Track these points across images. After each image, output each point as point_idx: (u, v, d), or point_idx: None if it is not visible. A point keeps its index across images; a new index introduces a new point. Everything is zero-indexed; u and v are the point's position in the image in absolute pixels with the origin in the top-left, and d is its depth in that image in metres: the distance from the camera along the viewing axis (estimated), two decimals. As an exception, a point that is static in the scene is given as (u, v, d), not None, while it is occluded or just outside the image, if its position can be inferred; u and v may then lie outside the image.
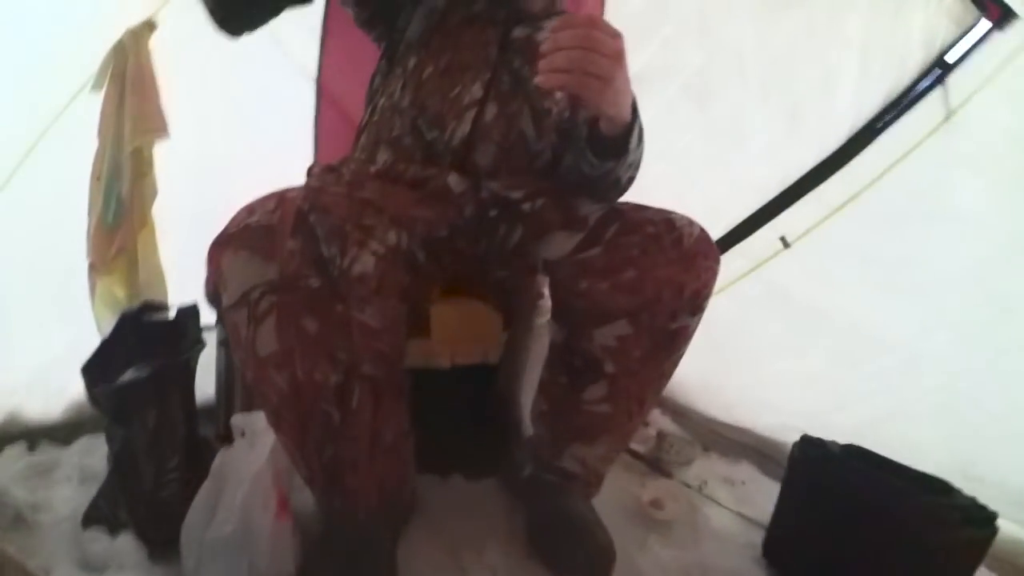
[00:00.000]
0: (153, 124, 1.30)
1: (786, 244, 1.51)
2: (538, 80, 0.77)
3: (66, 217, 1.32)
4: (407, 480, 1.07)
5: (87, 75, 1.27)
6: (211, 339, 1.19)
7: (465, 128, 1.06)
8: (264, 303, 0.83)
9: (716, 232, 1.52)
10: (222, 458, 0.97)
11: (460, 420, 1.28)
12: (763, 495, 1.27)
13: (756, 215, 1.57)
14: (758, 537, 1.18)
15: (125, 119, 1.27)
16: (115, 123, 1.28)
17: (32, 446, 1.26)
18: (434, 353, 1.18)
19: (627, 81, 0.82)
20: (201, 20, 1.02)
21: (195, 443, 1.11)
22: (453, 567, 1.05)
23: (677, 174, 1.50)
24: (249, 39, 1.08)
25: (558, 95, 1.10)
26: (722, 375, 1.56)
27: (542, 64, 0.76)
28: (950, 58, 1.28)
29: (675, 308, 0.96)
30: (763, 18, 1.47)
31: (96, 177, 1.29)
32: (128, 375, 1.02)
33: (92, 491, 1.09)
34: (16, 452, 1.24)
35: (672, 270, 0.95)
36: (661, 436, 1.49)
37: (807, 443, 1.15)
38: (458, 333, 1.19)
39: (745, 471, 1.45)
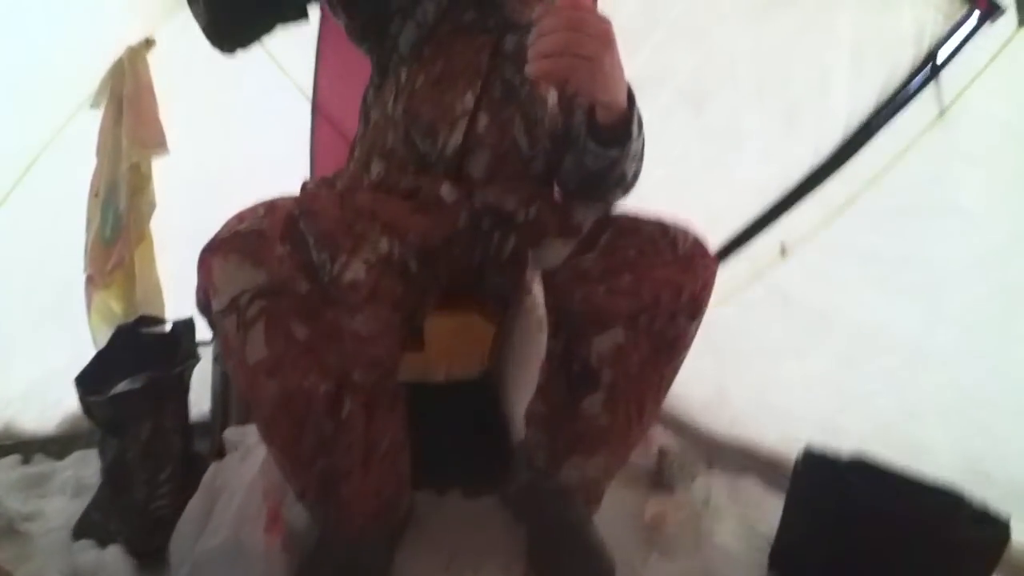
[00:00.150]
0: (151, 140, 1.32)
1: (784, 252, 1.50)
2: (527, 69, 0.76)
3: (65, 232, 1.34)
4: (403, 492, 1.05)
5: (86, 92, 1.29)
6: (207, 354, 1.19)
7: (458, 137, 1.06)
8: (253, 308, 0.82)
9: (716, 238, 1.53)
10: (214, 470, 0.97)
11: (457, 435, 1.26)
12: (768, 509, 1.25)
13: (756, 222, 1.56)
14: (763, 552, 1.16)
15: (123, 135, 1.28)
16: (113, 139, 1.29)
17: (27, 458, 1.28)
18: (429, 367, 1.17)
19: (619, 66, 0.81)
20: (199, 38, 1.04)
21: (189, 457, 1.11)
22: (450, 584, 1.03)
23: (675, 180, 1.48)
24: (246, 57, 1.09)
25: (550, 103, 1.10)
26: (724, 382, 1.54)
27: (529, 52, 0.75)
28: (942, 54, 1.28)
29: (674, 311, 0.94)
30: (754, 20, 1.48)
31: (95, 193, 1.30)
32: (122, 386, 1.03)
33: (84, 503, 1.10)
34: (10, 463, 1.25)
35: (670, 272, 0.93)
36: (663, 452, 1.46)
37: (811, 454, 1.12)
38: (453, 346, 1.18)
39: (749, 485, 1.41)
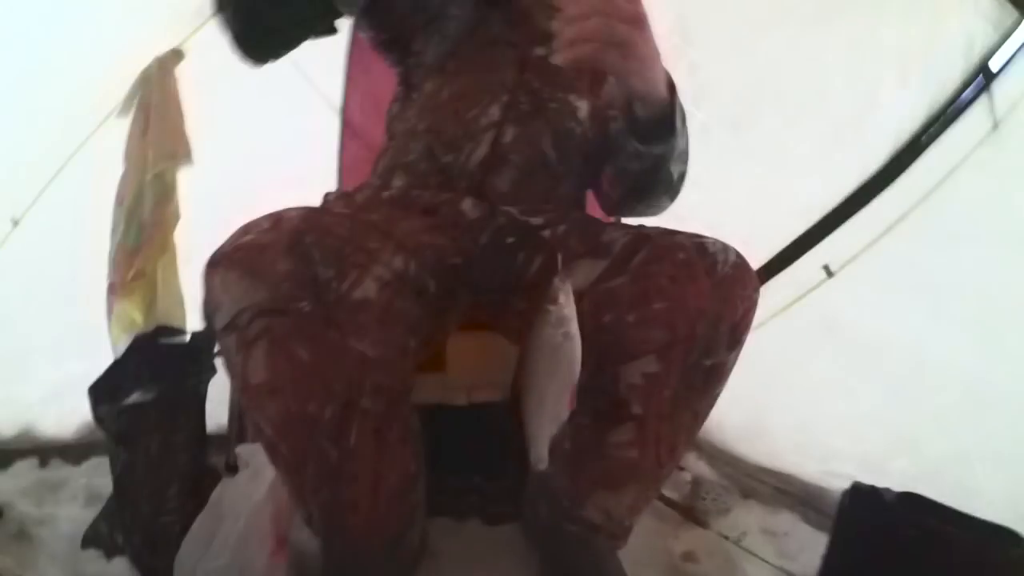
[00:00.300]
0: (177, 149, 1.32)
1: (830, 273, 1.43)
2: (553, 58, 0.72)
3: (90, 239, 1.35)
4: (415, 524, 0.98)
5: (115, 101, 1.30)
6: (225, 366, 1.17)
7: (483, 150, 1.02)
8: (254, 327, 0.78)
9: (758, 257, 1.48)
10: (222, 489, 0.94)
11: (478, 461, 1.21)
12: (807, 548, 1.20)
13: (799, 240, 1.51)
14: (799, 593, 1.10)
15: (148, 145, 1.28)
16: (140, 148, 1.30)
17: (43, 462, 1.29)
18: (450, 389, 1.12)
19: (654, 51, 0.77)
20: (227, 49, 1.03)
21: (200, 471, 1.08)
22: (464, 619, 0.98)
23: (714, 202, 1.44)
24: (275, 69, 1.08)
25: (581, 115, 1.06)
26: (764, 415, 1.48)
27: (556, 42, 0.71)
28: (993, 65, 1.24)
29: (710, 343, 0.86)
30: (796, 35, 1.43)
31: (120, 201, 1.30)
32: (133, 397, 1.02)
33: (96, 512, 1.10)
34: (27, 466, 1.28)
35: (707, 301, 0.86)
36: (696, 482, 1.41)
37: (858, 491, 1.06)
38: (476, 367, 1.13)
39: (787, 521, 1.35)
